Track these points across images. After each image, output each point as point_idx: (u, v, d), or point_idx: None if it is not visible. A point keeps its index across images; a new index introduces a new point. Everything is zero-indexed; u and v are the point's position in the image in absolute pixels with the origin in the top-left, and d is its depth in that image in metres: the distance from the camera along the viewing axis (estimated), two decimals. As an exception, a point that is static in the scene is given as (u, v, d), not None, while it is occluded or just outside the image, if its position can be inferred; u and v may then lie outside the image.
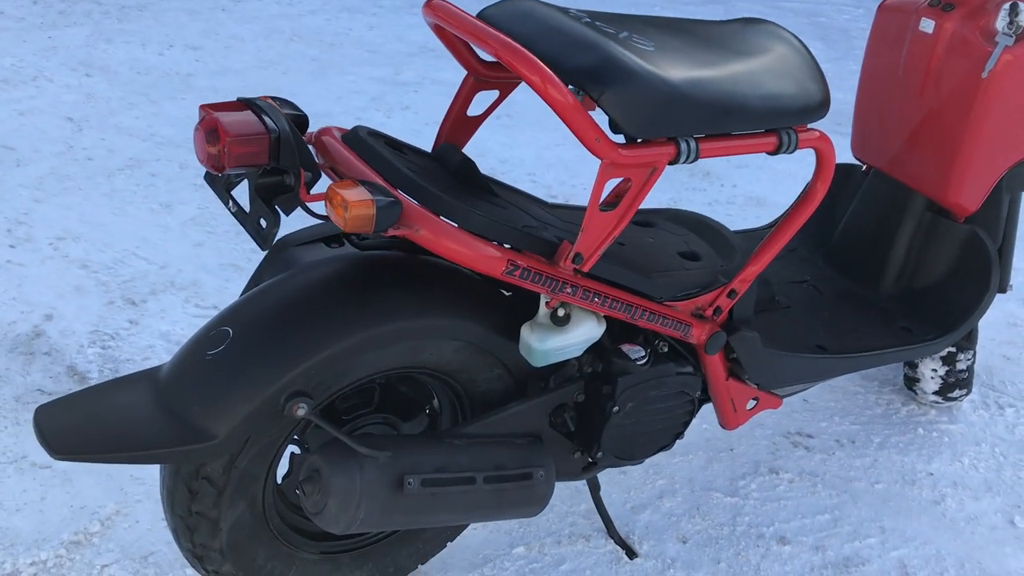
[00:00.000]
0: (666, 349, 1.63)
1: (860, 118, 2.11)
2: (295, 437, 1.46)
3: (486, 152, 3.48)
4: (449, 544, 1.72)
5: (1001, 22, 1.80)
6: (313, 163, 1.25)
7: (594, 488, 1.81)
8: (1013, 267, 2.20)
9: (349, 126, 1.47)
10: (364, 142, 1.38)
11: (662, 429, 1.64)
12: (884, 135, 2.04)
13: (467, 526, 1.75)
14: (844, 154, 2.08)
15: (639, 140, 1.36)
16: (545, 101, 1.28)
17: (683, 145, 1.36)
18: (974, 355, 2.25)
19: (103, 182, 2.97)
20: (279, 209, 1.26)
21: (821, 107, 1.51)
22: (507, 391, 1.56)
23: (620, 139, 1.41)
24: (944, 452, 2.24)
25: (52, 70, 3.77)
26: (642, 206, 1.44)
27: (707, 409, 1.80)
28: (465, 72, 1.61)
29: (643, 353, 1.56)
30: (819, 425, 2.28)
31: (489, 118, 1.65)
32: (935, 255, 2.05)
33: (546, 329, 1.45)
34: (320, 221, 1.39)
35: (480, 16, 1.45)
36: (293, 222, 1.43)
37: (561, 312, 1.44)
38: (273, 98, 1.34)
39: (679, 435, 1.69)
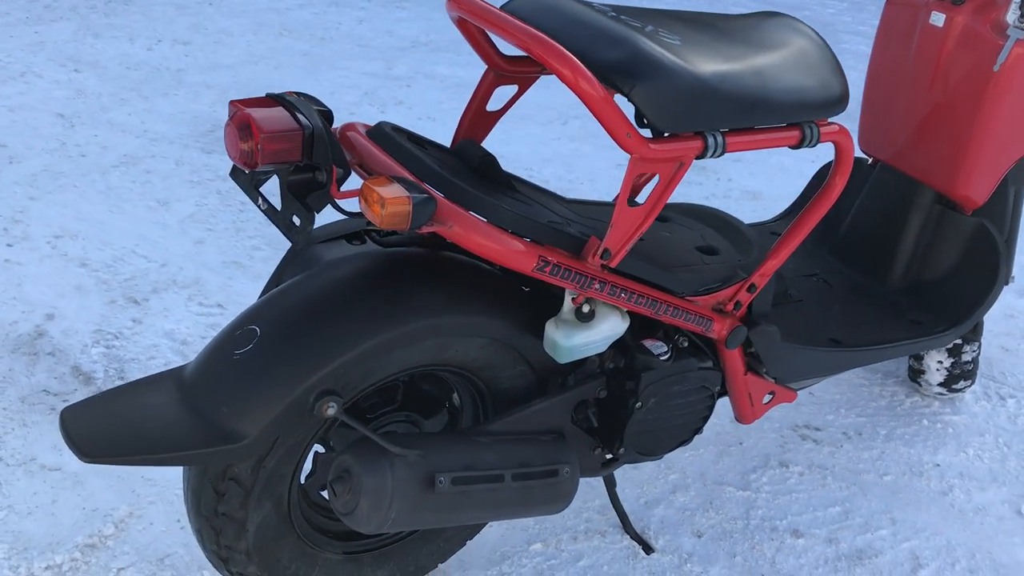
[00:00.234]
0: (686, 344, 1.62)
1: (867, 112, 2.12)
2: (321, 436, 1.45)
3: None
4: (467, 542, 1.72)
5: (1012, 15, 1.81)
6: (344, 159, 1.23)
7: (610, 484, 1.81)
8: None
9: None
10: (390, 138, 1.36)
11: (683, 424, 1.64)
12: (892, 128, 2.05)
13: (485, 524, 1.74)
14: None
15: (666, 134, 1.36)
16: (576, 94, 1.27)
17: (710, 139, 1.36)
18: (979, 347, 2.27)
19: (98, 179, 2.94)
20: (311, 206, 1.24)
21: (841, 101, 1.51)
22: (529, 388, 1.55)
23: (645, 133, 1.40)
24: (949, 443, 2.26)
25: (40, 66, 3.72)
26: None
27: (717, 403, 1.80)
28: (483, 67, 1.59)
29: (665, 348, 1.55)
30: (826, 418, 2.29)
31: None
32: (943, 247, 2.07)
33: (571, 325, 1.44)
34: (345, 218, 1.37)
35: (503, 9, 1.44)
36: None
37: (586, 308, 1.44)
38: (297, 93, 1.32)
39: (698, 430, 1.69)
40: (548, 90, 4.23)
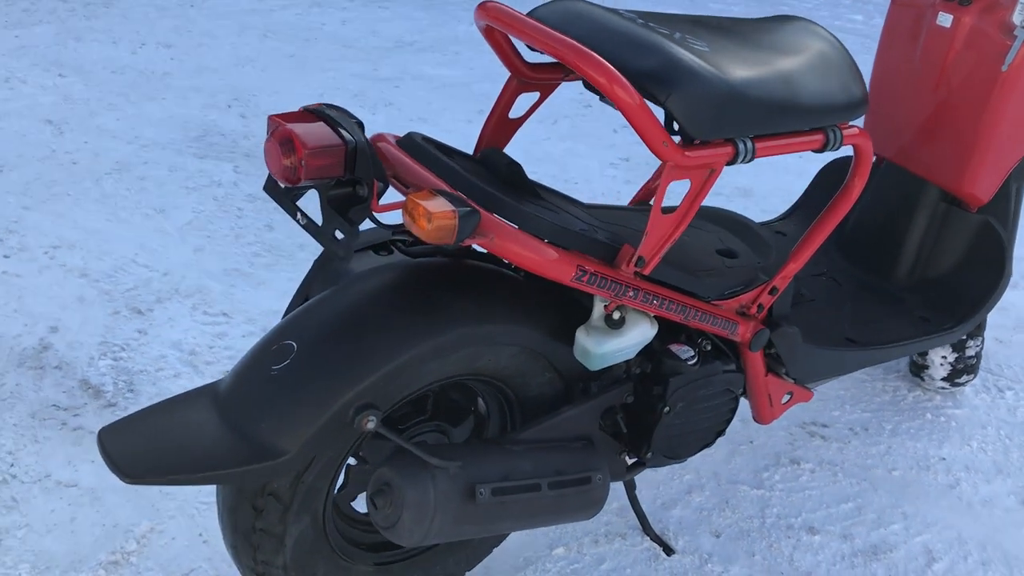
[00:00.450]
0: (709, 348, 1.64)
1: (873, 111, 2.14)
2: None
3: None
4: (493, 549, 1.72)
5: (1019, 16, 1.83)
6: (383, 173, 1.23)
7: (630, 487, 1.82)
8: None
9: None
10: (423, 148, 1.36)
11: (708, 427, 1.65)
12: (898, 127, 2.07)
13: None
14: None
15: (696, 141, 1.36)
16: (613, 102, 1.27)
17: (740, 145, 1.37)
18: (982, 341, 2.30)
19: (92, 187, 2.90)
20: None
21: (863, 103, 1.53)
22: (556, 395, 1.56)
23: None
24: (953, 436, 2.29)
25: (24, 71, 3.67)
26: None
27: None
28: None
29: (692, 353, 1.57)
30: (832, 414, 2.32)
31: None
32: (949, 245, 2.09)
33: (602, 332, 1.45)
34: (371, 227, 1.36)
35: (530, 16, 1.44)
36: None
37: (617, 315, 1.44)
38: (327, 105, 1.31)
39: (721, 432, 1.71)
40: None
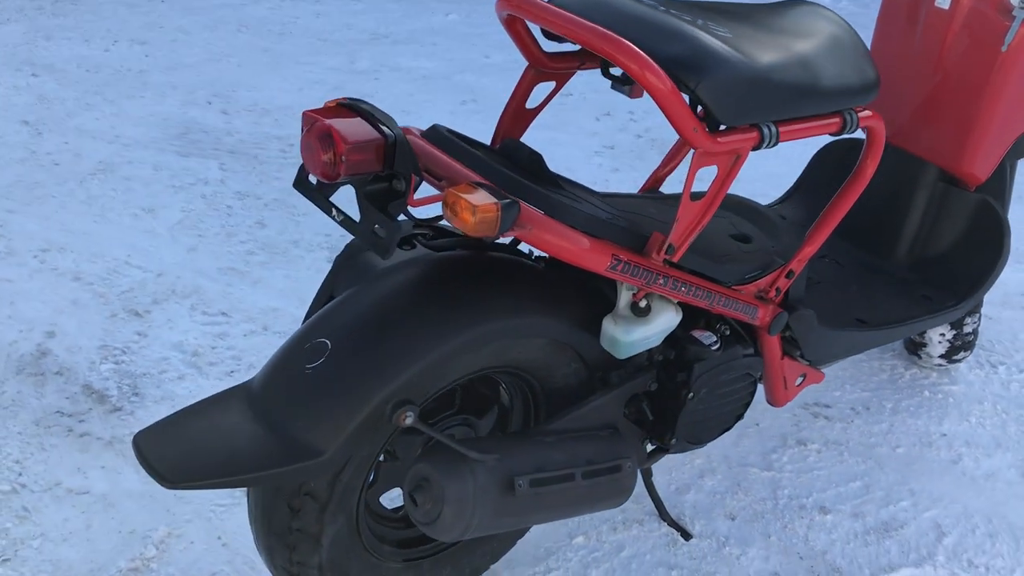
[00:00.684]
0: (728, 333, 1.64)
1: (871, 93, 2.15)
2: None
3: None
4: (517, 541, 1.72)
5: (1016, -3, 1.86)
6: (418, 167, 1.22)
7: (647, 474, 1.83)
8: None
9: None
10: (451, 141, 1.35)
11: (728, 412, 1.66)
12: (896, 109, 2.09)
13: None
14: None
15: (722, 127, 1.37)
16: (645, 89, 1.27)
17: (765, 130, 1.37)
18: (979, 318, 2.34)
19: (76, 188, 2.85)
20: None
21: (875, 86, 1.54)
22: (580, 384, 1.56)
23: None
24: (951, 412, 2.33)
25: (-5, 71, 3.59)
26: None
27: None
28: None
29: (715, 338, 1.57)
30: (833, 395, 2.35)
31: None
32: (948, 224, 2.12)
33: (629, 321, 1.45)
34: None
35: (554, 4, 1.43)
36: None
37: (643, 303, 1.45)
38: (350, 99, 1.29)
39: (740, 416, 1.72)
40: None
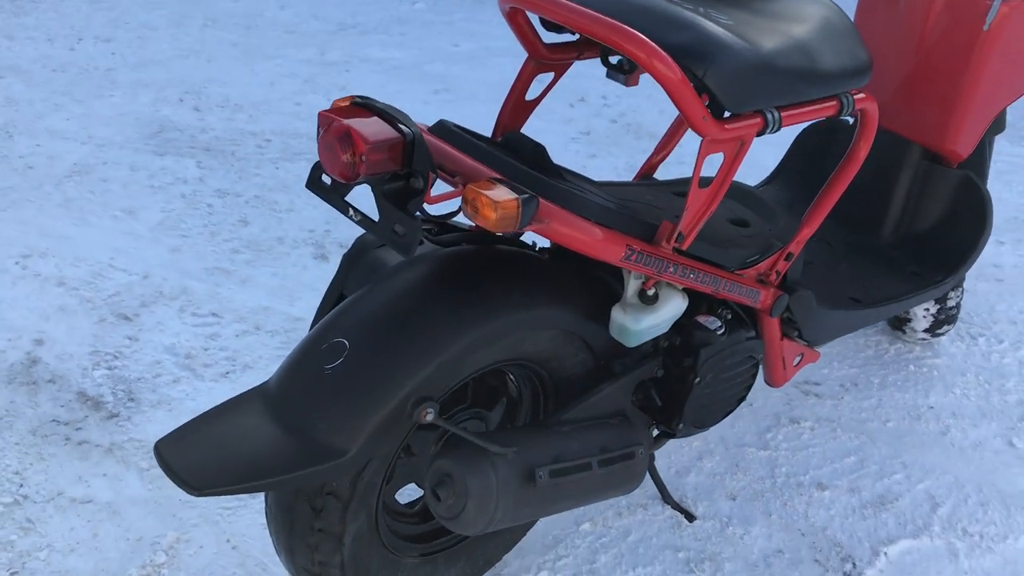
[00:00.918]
0: (730, 317, 1.66)
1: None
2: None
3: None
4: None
5: (997, -24, 1.89)
6: (434, 164, 1.21)
7: (650, 459, 1.85)
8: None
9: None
10: (460, 136, 1.35)
11: (732, 395, 1.69)
12: (878, 89, 2.12)
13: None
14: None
15: (727, 115, 1.38)
16: (654, 78, 1.28)
17: (769, 116, 1.39)
18: (962, 292, 2.39)
19: (53, 191, 2.80)
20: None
21: (868, 70, 1.57)
22: (588, 374, 1.57)
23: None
24: (937, 385, 2.38)
25: (-43, 74, 3.51)
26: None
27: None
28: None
29: (720, 323, 1.59)
30: (822, 372, 2.38)
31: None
32: (933, 200, 2.16)
33: (638, 309, 1.46)
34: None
35: None
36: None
37: (651, 291, 1.46)
38: (363, 97, 1.29)
39: (743, 399, 1.74)
40: (484, 67, 4.22)
